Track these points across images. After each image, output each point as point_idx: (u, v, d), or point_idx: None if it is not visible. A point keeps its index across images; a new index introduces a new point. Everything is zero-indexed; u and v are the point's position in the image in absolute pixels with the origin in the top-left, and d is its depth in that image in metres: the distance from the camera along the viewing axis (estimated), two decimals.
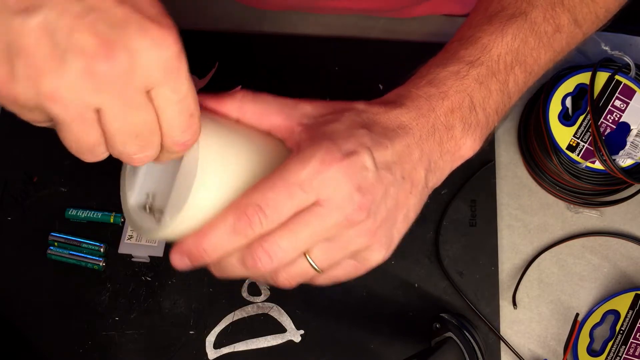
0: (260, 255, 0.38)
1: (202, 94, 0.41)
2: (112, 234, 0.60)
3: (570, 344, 0.58)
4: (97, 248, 0.59)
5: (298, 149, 0.39)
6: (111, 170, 0.62)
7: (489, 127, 0.45)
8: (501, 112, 0.46)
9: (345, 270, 0.42)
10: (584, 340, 0.58)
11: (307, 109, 0.42)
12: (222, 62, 0.66)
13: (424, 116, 0.42)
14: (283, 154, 0.41)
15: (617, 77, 0.61)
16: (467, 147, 0.44)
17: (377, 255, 0.42)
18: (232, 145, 0.41)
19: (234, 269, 0.39)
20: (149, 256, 0.59)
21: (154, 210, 0.42)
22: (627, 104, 0.60)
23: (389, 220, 0.41)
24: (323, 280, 0.42)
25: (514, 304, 0.59)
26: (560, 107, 0.60)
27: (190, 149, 0.38)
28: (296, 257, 0.39)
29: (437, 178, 0.44)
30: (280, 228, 0.38)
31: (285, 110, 0.41)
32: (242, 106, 0.41)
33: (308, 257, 0.39)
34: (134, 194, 0.43)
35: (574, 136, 0.60)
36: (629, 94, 0.60)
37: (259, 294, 0.59)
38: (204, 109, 0.40)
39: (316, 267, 0.40)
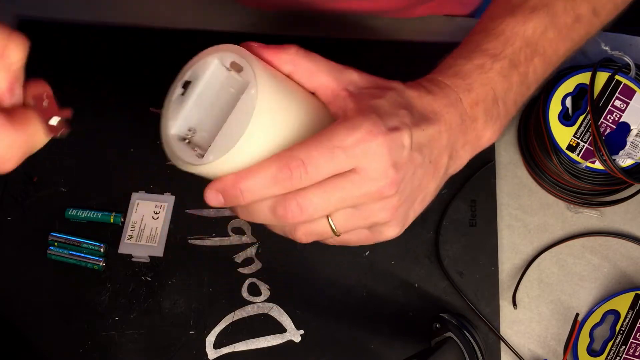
0: (292, 207, 0.40)
1: (258, 43, 0.43)
2: (112, 234, 0.60)
3: (570, 344, 0.58)
4: (97, 248, 0.59)
5: (345, 115, 0.41)
6: (111, 171, 0.63)
7: (508, 119, 0.48)
8: (520, 103, 0.48)
9: (358, 237, 0.44)
10: (584, 340, 0.58)
11: (354, 77, 0.44)
12: None
13: (453, 105, 0.45)
14: (326, 119, 0.43)
15: (617, 77, 0.61)
16: (486, 138, 0.47)
17: (392, 231, 0.44)
18: (284, 99, 0.42)
19: (262, 214, 0.41)
20: (149, 256, 0.59)
21: (193, 144, 0.42)
22: (627, 104, 0.60)
23: (410, 200, 0.44)
24: (334, 241, 0.44)
25: (514, 304, 0.59)
26: (560, 107, 0.60)
27: (248, 94, 0.40)
28: (322, 216, 0.41)
29: (457, 166, 0.47)
30: (316, 186, 0.40)
31: (334, 73, 0.43)
32: (295, 60, 0.43)
33: (330, 220, 0.42)
34: (176, 124, 0.43)
35: (574, 136, 0.60)
36: (629, 94, 0.60)
37: (259, 294, 0.59)
38: (259, 58, 0.42)
39: (335, 230, 0.42)
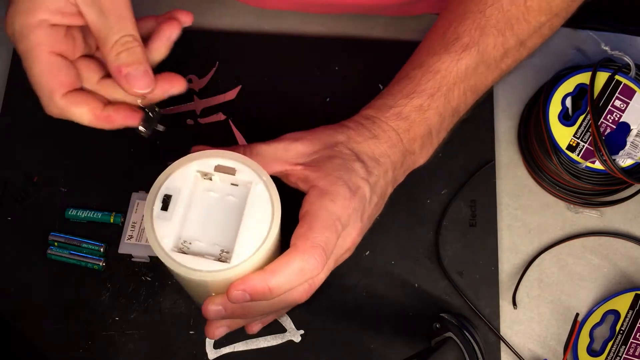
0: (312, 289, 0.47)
1: (205, 147, 0.47)
2: (112, 234, 0.60)
3: (570, 344, 0.58)
4: (97, 248, 0.59)
5: (315, 185, 0.47)
6: (111, 171, 0.63)
7: (439, 143, 0.54)
8: (450, 129, 0.54)
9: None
10: (584, 340, 0.58)
11: (298, 149, 0.49)
12: (222, 62, 0.66)
13: (396, 146, 0.51)
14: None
15: (617, 77, 0.61)
16: (420, 163, 0.54)
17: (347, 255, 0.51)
18: (275, 190, 0.46)
19: (292, 299, 0.47)
20: (149, 256, 0.59)
21: (190, 253, 0.44)
22: (627, 104, 0.60)
23: (368, 225, 0.51)
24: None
25: (514, 304, 0.59)
26: (560, 107, 0.60)
27: (255, 192, 0.45)
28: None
29: (393, 189, 0.53)
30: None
31: (279, 156, 0.49)
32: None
33: None
34: (170, 240, 0.44)
35: (574, 136, 0.60)
36: (629, 94, 0.60)
37: None
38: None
39: None
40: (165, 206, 0.45)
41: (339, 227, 0.45)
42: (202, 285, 0.46)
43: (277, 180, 0.47)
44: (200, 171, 0.46)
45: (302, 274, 0.43)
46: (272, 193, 0.45)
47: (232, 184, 0.46)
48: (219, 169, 0.46)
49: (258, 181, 0.45)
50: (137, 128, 0.47)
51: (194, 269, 0.43)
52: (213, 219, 0.46)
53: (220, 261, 0.44)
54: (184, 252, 0.44)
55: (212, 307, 0.45)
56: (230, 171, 0.46)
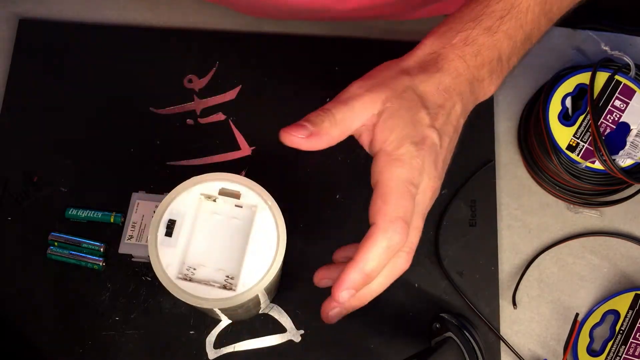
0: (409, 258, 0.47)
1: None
2: (112, 233, 0.60)
3: (570, 344, 0.58)
4: (97, 248, 0.59)
5: (382, 149, 0.46)
6: (111, 170, 0.63)
7: (509, 71, 0.51)
8: (522, 58, 0.51)
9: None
10: (583, 340, 0.58)
11: (374, 100, 0.47)
12: (222, 62, 0.66)
13: (462, 75, 0.48)
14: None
15: (617, 77, 0.61)
16: (490, 92, 0.50)
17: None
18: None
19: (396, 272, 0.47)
20: (149, 256, 0.59)
21: (195, 280, 0.45)
22: (627, 104, 0.60)
23: (442, 170, 0.49)
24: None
25: (514, 304, 0.59)
26: (560, 107, 0.60)
27: (262, 215, 0.46)
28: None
29: (465, 118, 0.50)
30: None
31: (359, 115, 0.47)
32: (331, 137, 0.47)
33: None
34: (175, 268, 0.45)
35: (573, 136, 0.60)
36: (628, 94, 0.60)
37: None
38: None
39: None
40: (169, 232, 0.45)
41: (412, 190, 0.45)
42: (209, 310, 0.48)
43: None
44: (204, 194, 0.46)
45: (391, 249, 0.44)
46: (277, 218, 0.45)
47: (237, 206, 0.46)
48: (223, 192, 0.46)
49: (264, 206, 0.45)
50: None
51: (201, 297, 0.44)
52: (217, 243, 0.46)
53: (226, 288, 0.44)
54: (189, 279, 0.44)
55: (332, 313, 0.48)
56: (235, 195, 0.46)
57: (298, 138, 0.46)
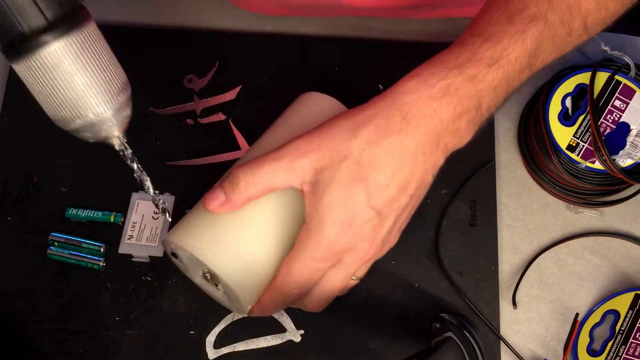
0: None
1: (206, 199, 0.48)
2: (112, 233, 0.60)
3: (570, 344, 0.58)
4: (97, 248, 0.59)
5: (306, 222, 0.47)
6: (111, 170, 0.63)
7: (487, 120, 0.48)
8: (501, 106, 0.48)
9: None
10: (583, 340, 0.58)
11: (305, 167, 0.46)
12: (222, 62, 0.66)
13: (431, 131, 0.45)
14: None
15: (617, 77, 0.61)
16: (466, 140, 0.48)
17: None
18: (252, 239, 0.49)
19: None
20: (149, 256, 0.59)
21: (212, 278, 0.51)
22: (627, 104, 0.60)
23: (391, 236, 0.49)
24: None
25: (514, 304, 0.59)
26: (560, 107, 0.60)
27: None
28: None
29: (435, 172, 0.48)
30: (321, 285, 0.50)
31: (285, 177, 0.46)
32: (248, 197, 0.47)
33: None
34: (193, 274, 0.52)
35: (573, 136, 0.60)
36: (628, 94, 0.60)
37: None
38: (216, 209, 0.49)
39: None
40: (176, 256, 0.51)
41: (318, 267, 0.47)
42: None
43: None
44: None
45: (287, 303, 0.51)
46: (226, 278, 0.48)
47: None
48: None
49: (220, 273, 0.48)
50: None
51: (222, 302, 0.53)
52: None
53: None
54: (209, 279, 0.51)
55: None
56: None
57: (215, 207, 0.47)
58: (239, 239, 0.48)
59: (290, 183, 0.46)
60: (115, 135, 0.41)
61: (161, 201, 0.46)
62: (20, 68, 0.38)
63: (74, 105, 0.38)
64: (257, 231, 0.49)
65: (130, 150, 0.43)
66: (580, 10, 0.47)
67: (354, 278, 0.51)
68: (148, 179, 0.45)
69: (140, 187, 0.61)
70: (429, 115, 0.45)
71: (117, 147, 0.42)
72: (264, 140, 0.54)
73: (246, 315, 0.56)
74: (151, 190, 0.45)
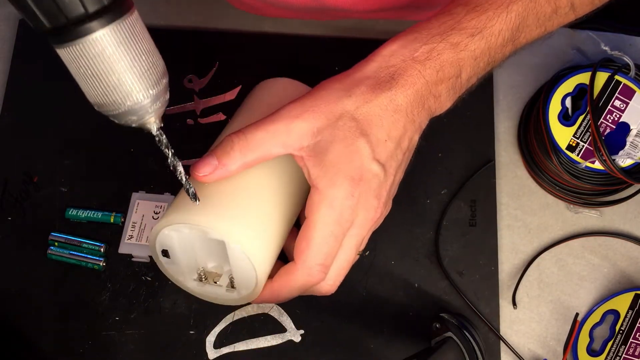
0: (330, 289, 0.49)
1: (195, 167, 0.46)
2: (112, 233, 0.60)
3: (570, 344, 0.58)
4: (97, 248, 0.59)
5: (315, 186, 0.45)
6: (111, 171, 0.63)
7: (467, 90, 0.49)
8: (481, 77, 0.49)
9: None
10: (583, 340, 0.58)
11: (302, 129, 0.45)
12: (222, 62, 0.66)
13: (418, 92, 0.46)
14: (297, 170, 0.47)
15: (616, 77, 0.61)
16: (445, 107, 0.48)
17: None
18: (261, 206, 0.47)
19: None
20: (149, 256, 0.59)
21: (209, 276, 0.50)
22: (627, 104, 0.60)
23: (390, 196, 0.49)
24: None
25: (514, 303, 0.59)
26: (560, 107, 0.60)
27: (231, 249, 0.46)
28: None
29: (420, 134, 0.49)
30: (338, 257, 0.47)
31: (282, 140, 0.45)
32: (244, 163, 0.45)
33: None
34: (187, 277, 0.50)
35: (573, 136, 0.60)
36: (628, 94, 0.60)
37: None
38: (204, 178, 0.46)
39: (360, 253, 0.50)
40: (167, 254, 0.48)
41: (339, 233, 0.45)
42: None
43: None
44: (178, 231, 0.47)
45: (307, 285, 0.47)
46: (249, 254, 0.45)
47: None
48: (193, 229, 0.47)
49: (234, 243, 0.45)
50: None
51: (214, 297, 0.50)
52: (213, 245, 0.47)
53: (233, 287, 0.49)
54: (204, 279, 0.50)
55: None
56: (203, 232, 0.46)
57: (207, 173, 0.45)
58: (245, 207, 0.46)
59: (287, 149, 0.45)
60: (153, 122, 0.41)
61: (192, 189, 0.44)
62: (64, 53, 0.38)
63: (117, 92, 0.38)
64: (261, 199, 0.47)
65: (165, 136, 0.43)
66: None
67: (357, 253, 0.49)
68: (180, 165, 0.44)
69: (140, 186, 0.62)
70: (415, 75, 0.46)
71: (154, 133, 0.43)
72: (234, 123, 0.53)
73: (250, 305, 0.56)
74: (184, 178, 0.44)
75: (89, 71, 0.37)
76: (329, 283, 0.48)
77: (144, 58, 0.39)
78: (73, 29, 0.36)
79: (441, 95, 0.47)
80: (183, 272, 0.49)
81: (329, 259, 0.46)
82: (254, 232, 0.45)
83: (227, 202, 0.45)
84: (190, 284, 0.50)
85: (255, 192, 0.47)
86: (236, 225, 0.45)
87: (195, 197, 0.44)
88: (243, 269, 0.46)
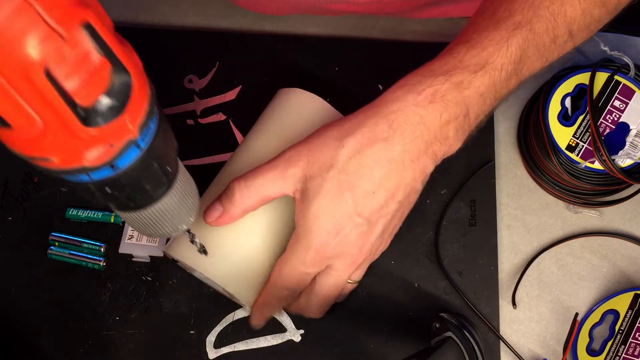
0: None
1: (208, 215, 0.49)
2: (112, 233, 0.60)
3: (570, 344, 0.58)
4: (97, 248, 0.59)
5: (296, 227, 0.48)
6: None
7: (477, 128, 0.49)
8: (489, 113, 0.49)
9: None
10: (583, 340, 0.58)
11: (295, 175, 0.47)
12: (222, 62, 0.66)
13: (418, 138, 0.46)
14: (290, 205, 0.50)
15: (616, 77, 0.61)
16: (455, 148, 0.48)
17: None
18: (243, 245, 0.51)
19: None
20: (150, 256, 0.59)
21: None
22: (627, 104, 0.60)
23: (382, 241, 0.50)
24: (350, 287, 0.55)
25: (514, 303, 0.59)
26: (559, 107, 0.60)
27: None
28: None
29: (424, 179, 0.49)
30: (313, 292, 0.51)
31: (278, 185, 0.48)
32: (245, 208, 0.49)
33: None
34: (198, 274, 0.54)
35: (573, 136, 0.60)
36: (628, 94, 0.60)
37: None
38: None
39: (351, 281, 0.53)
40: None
41: (306, 272, 0.48)
42: None
43: None
44: None
45: (280, 303, 0.52)
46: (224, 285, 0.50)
47: None
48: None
49: (231, 290, 0.51)
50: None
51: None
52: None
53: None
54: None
55: (258, 322, 0.54)
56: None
57: (214, 220, 0.49)
58: (234, 249, 0.50)
59: (284, 191, 0.48)
60: (186, 229, 0.44)
61: (199, 245, 0.48)
62: (123, 214, 0.40)
63: (167, 229, 0.42)
64: (253, 240, 0.50)
65: (195, 236, 0.48)
66: (565, 17, 0.48)
67: (350, 282, 0.52)
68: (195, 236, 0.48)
69: None
70: (416, 122, 0.45)
71: (189, 238, 0.48)
72: (252, 141, 0.55)
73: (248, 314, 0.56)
74: (197, 242, 0.48)
75: (146, 222, 0.40)
76: (310, 310, 0.52)
77: (190, 200, 0.42)
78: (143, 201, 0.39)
79: (449, 138, 0.47)
80: (193, 272, 0.55)
81: (297, 289, 0.50)
82: (249, 283, 0.51)
83: (229, 253, 0.50)
84: (198, 274, 0.54)
85: (246, 232, 0.50)
86: (234, 281, 0.50)
87: (204, 251, 0.49)
88: (236, 297, 0.52)
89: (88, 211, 0.60)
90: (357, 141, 0.46)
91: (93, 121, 0.31)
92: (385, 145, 0.45)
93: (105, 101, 0.31)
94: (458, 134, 0.47)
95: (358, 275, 0.52)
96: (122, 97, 0.32)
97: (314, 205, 0.46)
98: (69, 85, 0.29)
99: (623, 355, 0.57)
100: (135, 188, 0.36)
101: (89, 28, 0.30)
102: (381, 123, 0.46)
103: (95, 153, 0.32)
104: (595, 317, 0.59)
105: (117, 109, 0.32)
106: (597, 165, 0.59)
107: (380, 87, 0.64)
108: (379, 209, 0.47)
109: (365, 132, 0.46)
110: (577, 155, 0.59)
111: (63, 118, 0.30)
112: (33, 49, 0.28)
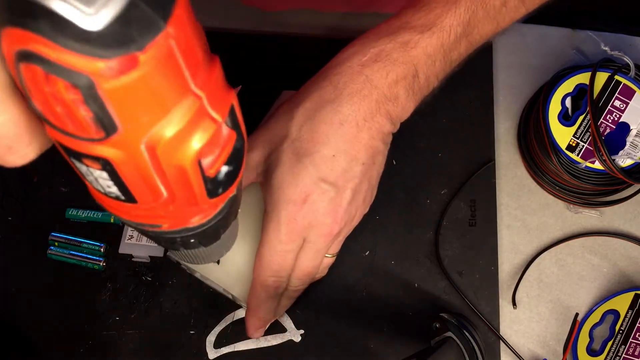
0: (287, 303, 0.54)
1: None
2: (112, 233, 0.60)
3: (570, 344, 0.58)
4: (97, 248, 0.59)
5: (265, 208, 0.48)
6: None
7: (429, 91, 0.48)
8: (441, 78, 0.48)
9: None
10: (583, 340, 0.58)
11: (254, 159, 0.47)
12: (222, 62, 0.66)
13: (366, 97, 0.45)
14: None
15: (616, 77, 0.61)
16: (409, 109, 0.47)
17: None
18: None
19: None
20: (149, 256, 0.59)
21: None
22: (627, 104, 0.60)
23: (356, 208, 0.49)
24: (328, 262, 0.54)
25: (514, 303, 0.59)
26: (560, 107, 0.60)
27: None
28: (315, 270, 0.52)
29: (390, 138, 0.48)
30: (296, 267, 0.49)
31: (244, 175, 0.47)
32: None
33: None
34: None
35: (573, 136, 0.60)
36: (628, 94, 0.60)
37: None
38: None
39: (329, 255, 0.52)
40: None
41: (285, 250, 0.47)
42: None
43: None
44: None
45: (269, 294, 0.51)
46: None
47: None
48: None
49: (231, 291, 0.53)
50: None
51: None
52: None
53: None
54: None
55: (257, 335, 0.55)
56: None
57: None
58: (236, 251, 0.50)
59: (248, 179, 0.48)
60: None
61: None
62: (185, 252, 0.40)
63: (218, 255, 0.43)
64: (249, 242, 0.52)
65: None
66: None
67: (328, 255, 0.50)
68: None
69: None
70: (362, 81, 0.45)
71: None
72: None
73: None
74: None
75: (203, 255, 0.40)
76: (293, 287, 0.51)
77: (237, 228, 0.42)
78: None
79: (399, 97, 0.46)
80: (194, 273, 0.56)
81: (281, 271, 0.49)
82: (245, 280, 0.52)
83: (232, 256, 0.50)
84: (198, 275, 0.55)
85: (244, 238, 0.51)
86: (235, 282, 0.52)
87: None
88: (239, 300, 0.53)
89: (88, 211, 0.60)
90: (306, 107, 0.46)
91: (215, 192, 0.30)
92: (333, 106, 0.45)
93: (224, 169, 0.30)
94: (409, 95, 0.46)
95: (335, 247, 0.51)
96: (236, 163, 0.30)
97: (275, 178, 0.46)
98: (205, 162, 0.28)
99: (623, 355, 0.57)
100: (215, 234, 0.36)
101: (232, 109, 0.29)
102: (326, 86, 0.46)
103: (201, 215, 0.32)
104: (595, 317, 0.58)
105: (234, 176, 0.31)
106: (597, 165, 0.59)
107: None
108: (343, 173, 0.46)
109: (313, 97, 0.46)
110: (578, 155, 0.59)
111: (194, 192, 0.29)
112: (197, 143, 0.26)
